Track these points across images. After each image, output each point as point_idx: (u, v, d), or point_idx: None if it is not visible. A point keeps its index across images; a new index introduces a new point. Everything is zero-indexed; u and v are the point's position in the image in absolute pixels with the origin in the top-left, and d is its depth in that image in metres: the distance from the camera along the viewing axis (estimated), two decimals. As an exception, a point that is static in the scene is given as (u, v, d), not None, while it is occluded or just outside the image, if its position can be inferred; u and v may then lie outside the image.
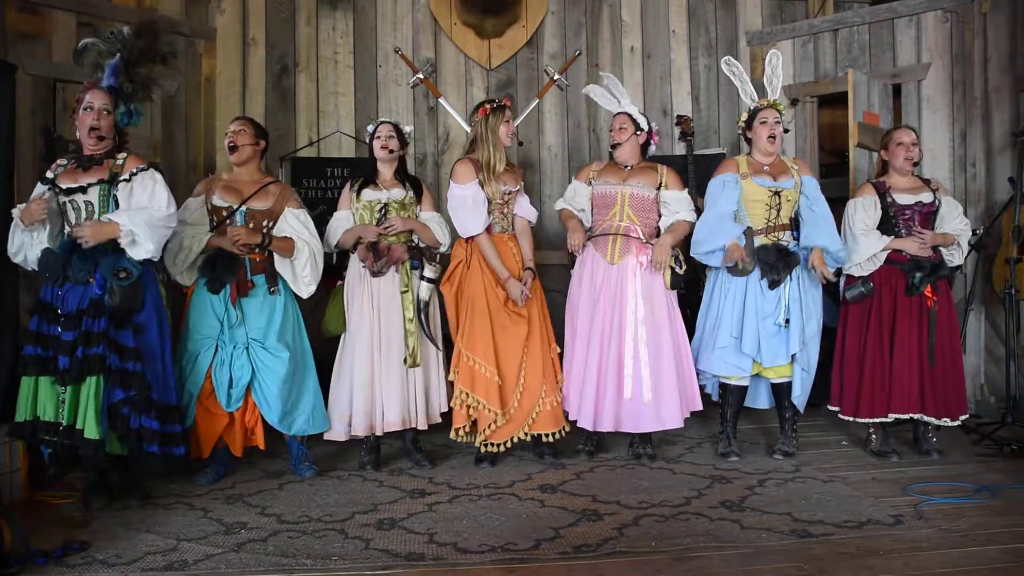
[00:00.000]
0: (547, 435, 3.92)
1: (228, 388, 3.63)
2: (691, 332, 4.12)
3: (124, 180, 3.37)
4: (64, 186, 3.35)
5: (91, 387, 3.23)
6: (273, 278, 3.75)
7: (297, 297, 3.85)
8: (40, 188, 3.39)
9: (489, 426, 3.81)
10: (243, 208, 3.71)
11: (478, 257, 3.90)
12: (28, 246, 3.36)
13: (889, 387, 3.88)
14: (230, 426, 3.70)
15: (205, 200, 3.76)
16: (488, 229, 3.92)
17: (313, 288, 3.82)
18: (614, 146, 4.07)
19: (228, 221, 3.70)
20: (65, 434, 3.22)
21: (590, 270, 3.99)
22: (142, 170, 3.39)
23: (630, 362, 3.87)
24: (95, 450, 3.22)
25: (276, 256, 3.75)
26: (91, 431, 3.20)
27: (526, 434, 3.89)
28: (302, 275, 3.78)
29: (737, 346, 3.85)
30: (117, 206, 3.35)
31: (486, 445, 3.86)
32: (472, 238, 3.89)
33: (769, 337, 3.82)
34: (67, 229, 3.36)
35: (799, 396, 3.91)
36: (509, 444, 3.88)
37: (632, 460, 3.98)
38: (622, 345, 3.88)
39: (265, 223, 3.75)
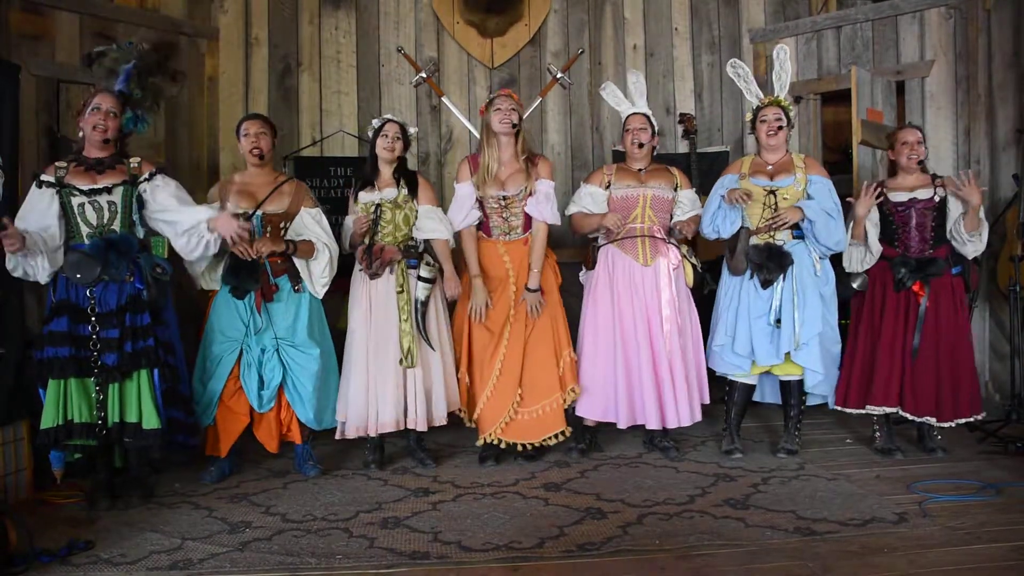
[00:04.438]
0: (522, 444, 3.90)
1: (259, 390, 3.64)
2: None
3: (145, 180, 3.45)
4: (85, 187, 3.35)
5: (142, 380, 3.32)
6: (295, 276, 3.75)
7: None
8: (37, 192, 3.32)
9: (468, 423, 3.92)
10: (259, 213, 3.68)
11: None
12: (28, 263, 3.27)
13: (870, 380, 3.91)
14: (261, 424, 3.73)
15: (220, 207, 3.73)
16: (487, 231, 3.95)
17: (327, 288, 3.83)
18: (640, 146, 4.01)
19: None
20: (115, 431, 3.28)
21: (622, 271, 3.96)
22: (161, 171, 3.51)
23: (668, 361, 3.90)
24: (156, 439, 3.32)
25: (296, 260, 3.75)
26: (152, 422, 3.31)
27: (496, 440, 3.87)
28: (319, 277, 3.78)
29: (731, 345, 3.87)
30: (140, 206, 3.45)
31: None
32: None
33: (761, 337, 3.83)
34: (86, 231, 3.34)
35: (816, 385, 3.91)
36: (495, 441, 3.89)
37: (635, 458, 3.99)
38: (659, 343, 3.91)
39: (282, 225, 3.75)
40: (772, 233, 3.88)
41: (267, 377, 3.65)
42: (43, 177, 3.36)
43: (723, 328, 3.91)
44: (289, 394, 3.70)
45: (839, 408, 4.01)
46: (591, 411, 3.99)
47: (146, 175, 3.46)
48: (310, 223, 3.78)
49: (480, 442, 3.90)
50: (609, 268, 4.00)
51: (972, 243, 3.84)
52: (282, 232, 3.75)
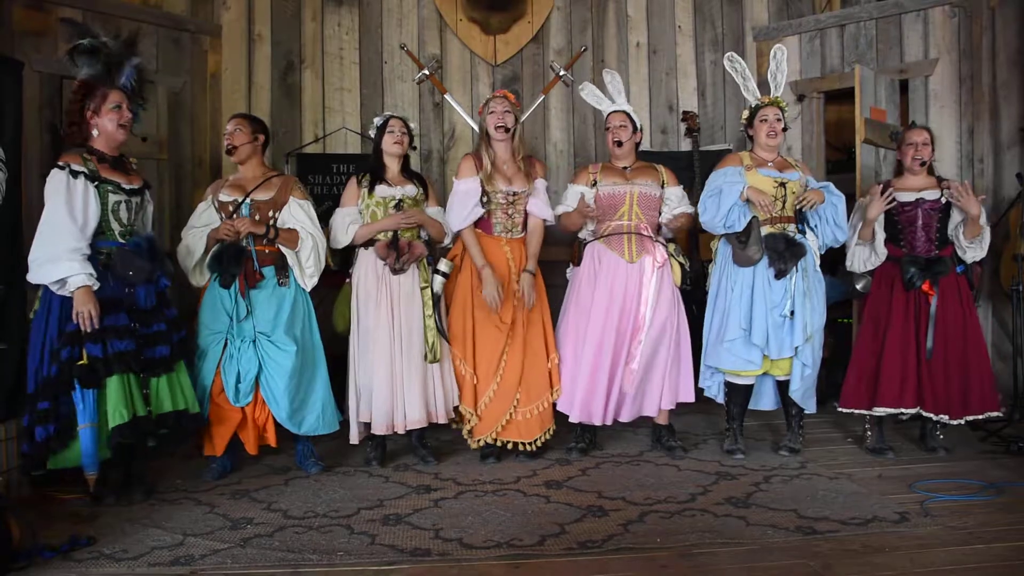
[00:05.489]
0: (520, 443, 3.90)
1: (236, 383, 3.64)
2: (696, 329, 4.11)
3: (146, 187, 3.58)
4: (126, 186, 3.40)
5: (181, 369, 3.50)
6: (283, 270, 3.75)
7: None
8: (75, 182, 3.23)
9: (468, 420, 3.89)
10: (248, 200, 3.73)
11: (468, 257, 3.94)
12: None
13: (876, 381, 3.89)
14: (244, 423, 3.71)
15: (212, 200, 3.78)
16: (488, 228, 3.95)
17: (315, 280, 3.82)
18: (619, 144, 4.03)
19: (235, 214, 3.71)
20: (173, 419, 3.39)
21: (606, 268, 3.97)
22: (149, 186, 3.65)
23: (641, 357, 3.91)
24: (197, 423, 3.55)
25: (282, 248, 3.76)
26: (196, 407, 3.53)
27: (494, 439, 3.89)
28: (306, 266, 3.78)
29: (747, 338, 3.83)
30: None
31: (472, 438, 3.92)
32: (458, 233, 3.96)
33: (776, 328, 3.81)
34: (117, 228, 3.36)
35: (797, 391, 3.90)
36: (490, 441, 3.90)
37: (637, 456, 3.99)
38: (636, 340, 3.91)
39: (271, 213, 3.76)
40: (783, 225, 3.88)
41: (242, 369, 3.64)
42: (75, 167, 3.26)
43: (736, 321, 3.84)
44: (263, 390, 3.68)
45: (842, 409, 4.00)
46: (568, 407, 3.98)
47: (145, 181, 3.59)
48: (298, 212, 3.79)
49: (476, 444, 3.89)
50: (595, 265, 4.00)
51: (971, 250, 3.88)
52: (271, 221, 3.75)
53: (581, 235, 4.10)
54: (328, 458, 3.95)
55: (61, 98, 4.40)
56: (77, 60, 3.42)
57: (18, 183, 3.87)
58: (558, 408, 4.01)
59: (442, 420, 3.90)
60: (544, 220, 4.04)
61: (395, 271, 3.82)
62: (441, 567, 2.68)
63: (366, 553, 2.78)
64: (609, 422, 3.97)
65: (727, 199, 3.84)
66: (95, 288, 3.21)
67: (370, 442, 3.94)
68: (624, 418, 4.00)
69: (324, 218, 3.98)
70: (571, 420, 4.06)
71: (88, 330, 3.18)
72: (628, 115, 4.07)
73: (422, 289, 3.85)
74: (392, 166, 3.95)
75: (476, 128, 4.97)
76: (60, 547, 2.78)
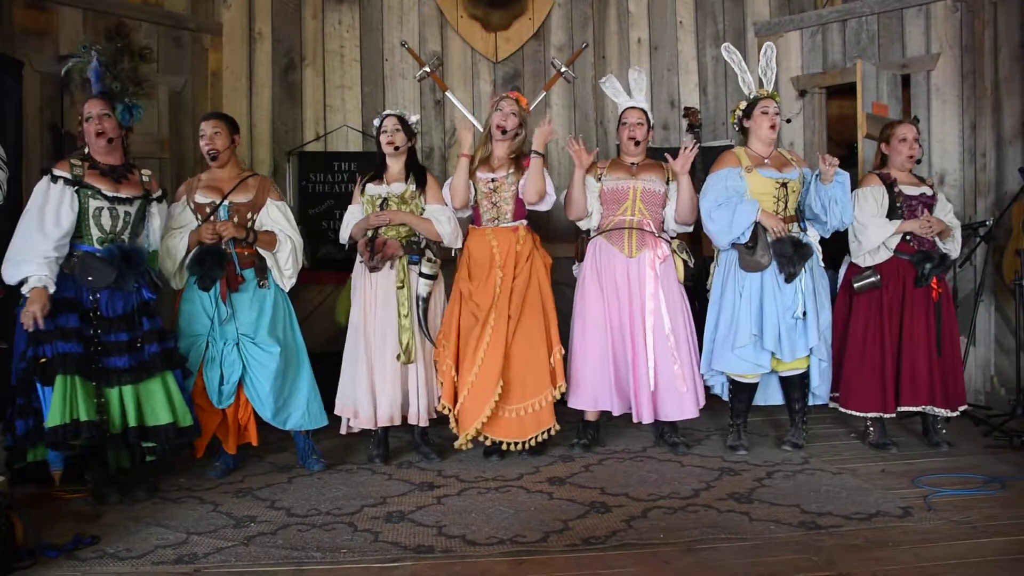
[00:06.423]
0: (505, 443, 3.85)
1: (219, 385, 3.63)
2: (699, 325, 4.10)
3: (156, 199, 3.57)
4: (109, 193, 3.39)
5: (169, 381, 3.42)
6: (262, 272, 3.74)
7: (306, 290, 3.86)
8: (56, 188, 3.27)
9: (449, 416, 3.85)
10: (225, 203, 3.70)
11: (464, 254, 3.96)
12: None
13: (897, 381, 3.88)
14: (223, 423, 3.70)
15: (187, 201, 3.74)
16: (477, 220, 3.99)
17: (294, 281, 3.82)
18: (636, 143, 4.02)
19: (212, 217, 3.69)
20: (135, 434, 3.32)
21: (606, 264, 3.98)
22: (164, 196, 3.64)
23: (651, 354, 3.88)
24: (192, 436, 3.48)
25: (260, 250, 3.74)
26: (188, 419, 3.45)
27: (484, 437, 3.83)
28: (284, 268, 3.78)
29: (757, 343, 3.81)
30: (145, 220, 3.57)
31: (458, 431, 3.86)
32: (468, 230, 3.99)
33: (789, 331, 3.79)
34: (96, 234, 3.36)
35: (818, 387, 3.91)
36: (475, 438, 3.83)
37: (640, 452, 3.99)
38: (645, 337, 3.89)
39: (249, 215, 3.74)
40: (788, 226, 3.87)
41: (226, 372, 3.63)
42: (57, 172, 3.31)
43: (746, 328, 3.80)
44: (247, 390, 3.68)
45: (856, 412, 3.96)
46: (580, 402, 4.00)
47: (158, 193, 3.58)
48: (275, 215, 3.79)
49: (462, 440, 3.80)
50: (596, 260, 4.00)
51: (950, 250, 3.96)
52: (249, 224, 3.74)
53: (584, 227, 4.10)
54: (331, 456, 3.96)
55: (61, 98, 4.40)
56: (71, 84, 3.47)
57: (18, 184, 3.88)
58: (569, 404, 4.01)
59: (423, 422, 3.86)
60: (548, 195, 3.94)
61: (370, 269, 3.82)
62: (444, 564, 2.68)
63: (369, 550, 2.78)
64: (646, 421, 3.91)
65: (740, 220, 3.79)
66: (51, 291, 3.18)
67: (372, 439, 3.94)
68: (657, 418, 3.92)
69: (324, 216, 3.98)
70: (586, 417, 4.07)
71: (30, 329, 3.15)
72: (645, 113, 4.07)
73: (397, 289, 3.82)
74: (393, 164, 3.95)
75: (477, 125, 4.97)
76: (64, 546, 2.79)
